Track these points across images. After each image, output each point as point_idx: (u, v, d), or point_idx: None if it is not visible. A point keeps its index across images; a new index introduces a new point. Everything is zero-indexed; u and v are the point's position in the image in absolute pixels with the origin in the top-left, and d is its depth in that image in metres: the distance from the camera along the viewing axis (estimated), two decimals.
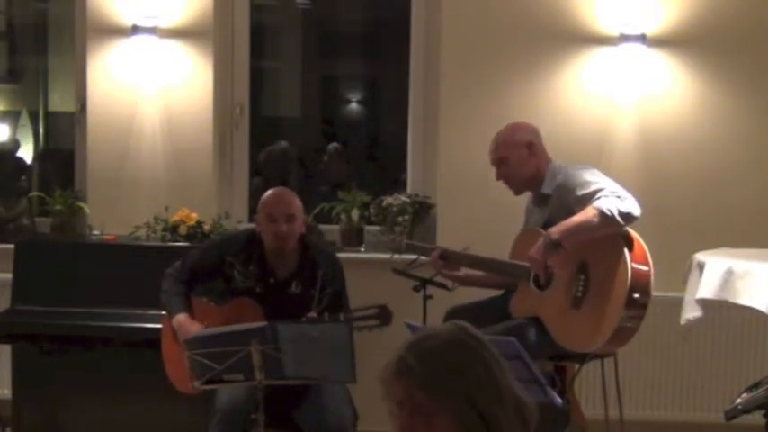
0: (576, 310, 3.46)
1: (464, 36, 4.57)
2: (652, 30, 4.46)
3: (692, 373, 4.53)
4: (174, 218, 4.45)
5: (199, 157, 4.71)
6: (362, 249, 4.67)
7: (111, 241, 4.46)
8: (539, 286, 3.57)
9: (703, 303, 3.59)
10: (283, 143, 5.30)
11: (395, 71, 5.30)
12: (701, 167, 4.55)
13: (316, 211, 4.74)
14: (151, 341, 3.72)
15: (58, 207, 4.71)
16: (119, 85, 4.68)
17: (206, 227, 4.45)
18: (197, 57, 4.67)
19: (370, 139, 6.61)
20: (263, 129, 5.61)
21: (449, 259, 3.81)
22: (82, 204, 4.71)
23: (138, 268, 4.12)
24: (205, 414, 3.37)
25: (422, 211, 4.65)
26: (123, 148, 4.69)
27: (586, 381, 4.31)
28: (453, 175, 4.59)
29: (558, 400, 2.90)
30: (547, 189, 3.67)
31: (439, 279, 3.80)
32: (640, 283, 3.40)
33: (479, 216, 4.49)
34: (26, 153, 5.48)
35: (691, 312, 3.64)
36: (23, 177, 5.06)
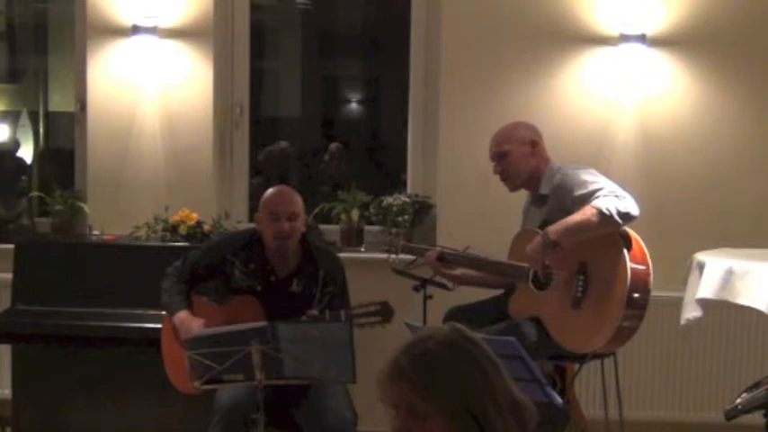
0: (576, 310, 3.46)
1: (464, 36, 4.57)
2: (652, 30, 4.46)
3: (692, 373, 4.53)
4: (174, 218, 4.45)
5: (199, 157, 4.71)
6: (362, 249, 4.67)
7: (111, 241, 4.46)
8: (538, 287, 3.57)
9: (703, 303, 3.59)
10: (283, 143, 5.30)
11: (395, 71, 5.30)
12: (701, 168, 4.56)
13: (316, 211, 4.74)
14: (151, 341, 3.72)
15: (57, 207, 4.70)
16: (119, 85, 4.68)
17: (206, 227, 4.45)
18: (197, 57, 4.67)
19: (371, 140, 6.61)
20: (263, 129, 5.61)
21: (446, 260, 3.81)
22: (82, 204, 4.71)
23: (138, 268, 4.12)
24: (205, 414, 3.37)
25: (422, 211, 4.66)
26: (123, 148, 4.69)
27: (586, 381, 4.31)
28: (453, 175, 4.59)
29: (558, 399, 2.90)
30: (544, 189, 3.66)
31: (439, 279, 3.80)
32: (640, 283, 3.40)
33: (479, 216, 4.49)
34: (26, 153, 5.48)
35: (691, 312, 3.64)
36: (23, 177, 5.06)
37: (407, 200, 4.64)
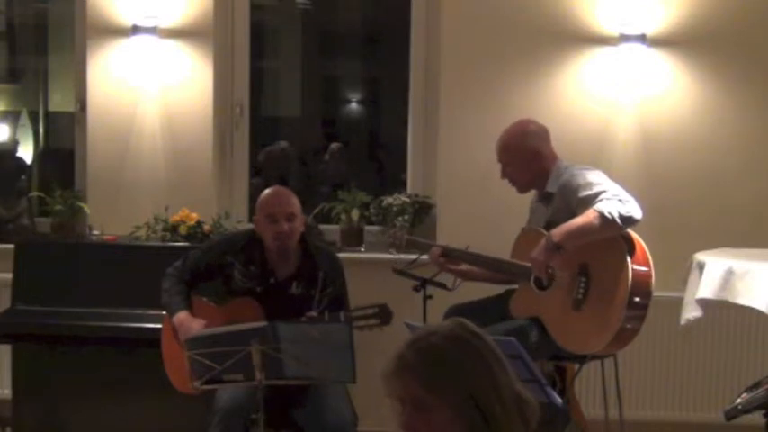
0: (577, 311, 3.46)
1: (464, 36, 4.57)
2: (652, 30, 4.46)
3: (692, 373, 4.53)
4: (174, 218, 4.45)
5: (199, 157, 4.71)
6: (362, 249, 4.67)
7: (111, 241, 4.46)
8: (539, 286, 3.57)
9: (703, 303, 3.59)
10: (283, 143, 5.31)
11: (395, 71, 5.30)
12: (701, 167, 4.55)
13: (316, 211, 4.74)
14: (151, 341, 3.72)
15: (57, 207, 4.70)
16: (119, 85, 4.68)
17: (206, 227, 4.45)
18: (197, 57, 4.67)
19: (371, 139, 6.61)
20: (263, 129, 5.61)
21: (450, 256, 3.81)
22: (82, 204, 4.71)
23: (138, 268, 4.11)
24: (205, 414, 3.37)
25: (422, 211, 4.66)
26: (123, 148, 4.69)
27: (586, 381, 4.31)
28: (453, 174, 4.59)
29: (559, 399, 2.90)
30: (551, 187, 3.66)
31: (439, 279, 3.80)
32: (641, 286, 3.40)
33: (479, 216, 4.49)
34: (26, 153, 5.49)
35: (691, 312, 3.64)
36: (23, 177, 5.06)
37: (407, 200, 4.64)
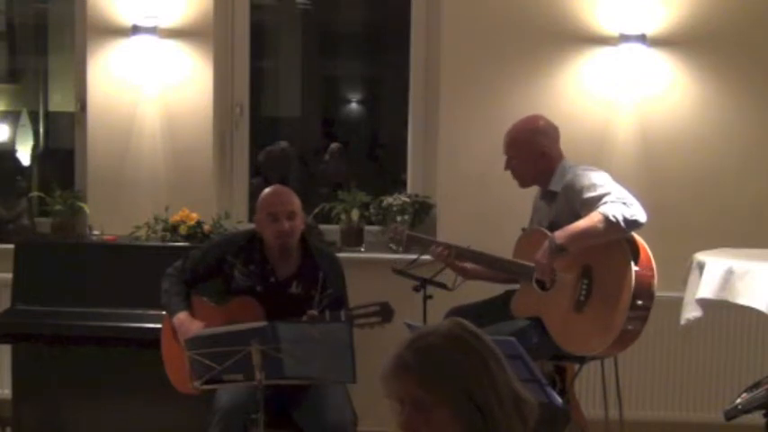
0: (579, 313, 3.46)
1: (464, 36, 4.56)
2: (652, 30, 4.45)
3: (692, 373, 4.53)
4: (174, 218, 4.45)
5: (199, 157, 4.71)
6: (362, 249, 4.67)
7: (111, 241, 4.46)
8: (542, 287, 3.56)
9: (703, 303, 3.59)
10: (283, 143, 5.30)
11: (395, 71, 5.30)
12: (701, 167, 4.55)
13: (316, 211, 4.74)
14: (151, 341, 3.72)
15: (57, 207, 4.70)
16: (119, 85, 4.68)
17: (206, 227, 4.45)
18: (197, 57, 4.67)
19: (371, 139, 6.61)
20: (263, 129, 5.61)
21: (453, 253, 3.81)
22: (82, 204, 4.71)
23: (138, 268, 4.12)
24: (205, 414, 3.37)
25: (422, 210, 4.66)
26: (123, 148, 4.69)
27: (586, 381, 4.31)
28: (453, 174, 4.59)
29: (559, 399, 2.90)
30: (555, 186, 3.66)
31: (439, 279, 3.80)
32: (644, 288, 3.40)
33: (479, 216, 4.49)
34: (26, 153, 5.48)
35: (691, 312, 3.64)
36: (23, 177, 5.06)
37: (407, 200, 4.64)
